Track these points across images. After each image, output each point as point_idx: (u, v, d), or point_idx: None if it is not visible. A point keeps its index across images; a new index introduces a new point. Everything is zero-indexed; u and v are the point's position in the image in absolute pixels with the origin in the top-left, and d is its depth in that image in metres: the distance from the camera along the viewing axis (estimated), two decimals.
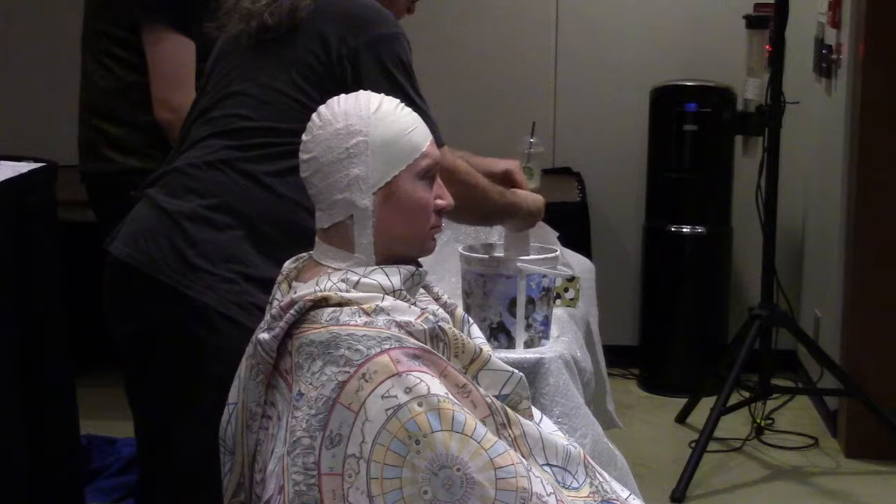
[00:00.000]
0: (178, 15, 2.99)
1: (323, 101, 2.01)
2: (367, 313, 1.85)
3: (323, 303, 1.87)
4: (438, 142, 2.13)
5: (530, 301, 2.55)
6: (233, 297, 2.24)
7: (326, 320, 1.85)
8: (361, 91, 2.00)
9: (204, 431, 2.14)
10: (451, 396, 1.81)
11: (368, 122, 1.93)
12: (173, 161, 2.38)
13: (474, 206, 2.46)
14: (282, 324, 1.87)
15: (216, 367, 2.16)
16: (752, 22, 4.27)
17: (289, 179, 2.23)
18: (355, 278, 1.90)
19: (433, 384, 1.80)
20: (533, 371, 2.52)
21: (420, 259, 2.01)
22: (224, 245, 2.25)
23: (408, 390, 1.78)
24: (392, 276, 1.92)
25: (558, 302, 2.81)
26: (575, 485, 1.94)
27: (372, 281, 1.90)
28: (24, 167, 2.62)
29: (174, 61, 3.00)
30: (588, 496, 1.94)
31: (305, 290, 1.90)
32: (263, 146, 2.28)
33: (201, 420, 2.18)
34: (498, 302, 2.55)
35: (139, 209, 2.35)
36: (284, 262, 2.04)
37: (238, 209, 2.27)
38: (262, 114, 2.30)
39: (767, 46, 4.14)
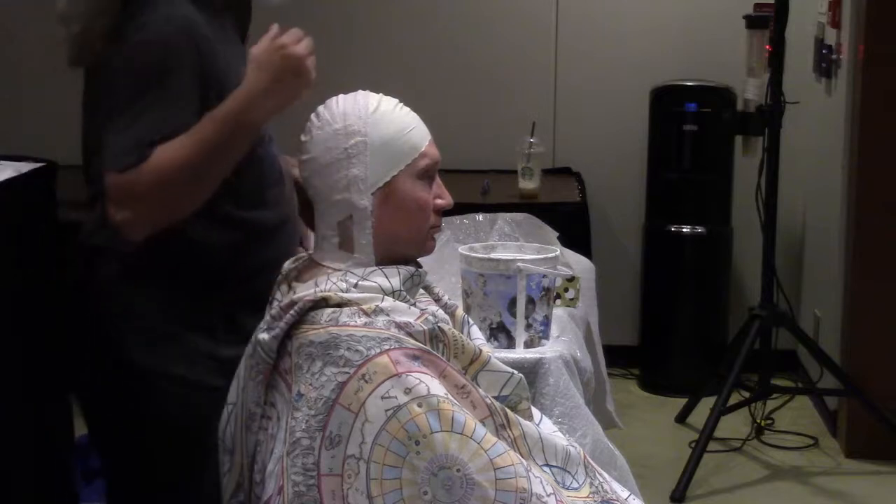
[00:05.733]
0: None
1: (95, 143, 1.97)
2: (366, 314, 1.85)
3: (322, 303, 1.87)
4: (115, 165, 1.96)
5: (530, 301, 2.55)
6: (177, 350, 2.10)
7: (326, 321, 1.85)
8: (360, 91, 2.00)
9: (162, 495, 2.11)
10: (450, 397, 1.81)
11: (367, 123, 1.93)
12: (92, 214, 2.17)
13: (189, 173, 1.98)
14: (282, 324, 1.87)
15: (167, 431, 2.09)
16: (752, 22, 4.27)
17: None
18: (354, 279, 1.90)
19: (433, 385, 1.80)
20: (533, 371, 2.52)
21: (420, 259, 2.01)
22: (155, 301, 2.10)
23: (407, 391, 1.78)
24: (391, 277, 1.92)
25: (558, 302, 2.81)
26: (575, 485, 1.94)
27: (371, 282, 1.90)
28: (24, 167, 2.62)
29: None
30: (588, 496, 1.94)
31: (305, 290, 1.90)
32: None
33: (159, 487, 2.13)
34: (498, 302, 2.55)
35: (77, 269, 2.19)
36: (220, 299, 2.02)
37: (157, 271, 2.11)
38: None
39: (767, 46, 4.14)
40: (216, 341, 2.12)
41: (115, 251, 2.09)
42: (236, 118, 1.98)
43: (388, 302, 1.88)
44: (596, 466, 2.01)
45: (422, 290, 2.04)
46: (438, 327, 1.89)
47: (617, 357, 4.62)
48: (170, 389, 2.10)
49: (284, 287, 1.99)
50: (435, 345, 1.88)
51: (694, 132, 4.68)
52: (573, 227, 4.26)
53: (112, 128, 1.97)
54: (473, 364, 1.93)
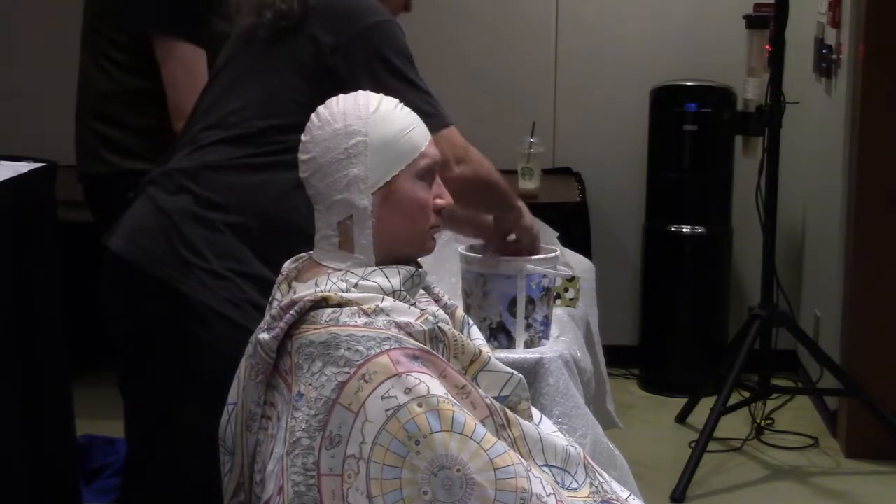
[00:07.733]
0: (189, 25, 2.98)
1: (321, 99, 2.01)
2: (366, 314, 1.85)
3: (323, 303, 1.87)
4: (444, 122, 2.29)
5: (530, 301, 2.55)
6: (226, 293, 2.25)
7: (326, 321, 1.85)
8: (360, 91, 2.00)
9: (196, 430, 2.14)
10: (450, 397, 1.81)
11: (367, 122, 1.93)
12: (173, 159, 2.39)
13: (486, 189, 2.46)
14: (282, 324, 1.87)
15: (210, 365, 2.18)
16: (752, 22, 4.27)
17: (283, 178, 2.25)
18: (355, 279, 1.90)
19: (433, 385, 1.80)
20: (533, 371, 2.51)
21: (420, 259, 2.01)
22: (218, 242, 2.27)
23: (407, 391, 1.78)
24: (392, 277, 1.92)
25: (558, 302, 2.81)
26: (574, 485, 1.94)
27: (371, 282, 1.90)
28: (24, 167, 2.62)
29: (190, 73, 2.98)
30: (588, 496, 1.94)
31: (305, 290, 1.90)
32: (266, 153, 2.30)
33: (193, 418, 2.18)
34: (498, 302, 2.55)
35: (138, 206, 2.37)
36: (279, 260, 2.05)
37: (234, 209, 2.28)
38: (265, 116, 2.31)
39: (767, 46, 4.14)
40: (261, 293, 2.18)
41: (195, 193, 2.28)
42: (512, 203, 2.54)
43: (389, 302, 1.88)
44: (596, 466, 2.01)
45: (422, 291, 2.04)
46: (438, 327, 1.89)
47: (617, 357, 4.62)
48: (219, 325, 2.23)
49: (284, 287, 1.99)
50: (435, 345, 1.88)
51: (694, 132, 4.68)
52: (573, 227, 4.26)
53: (402, 94, 2.10)
54: (473, 364, 1.93)
